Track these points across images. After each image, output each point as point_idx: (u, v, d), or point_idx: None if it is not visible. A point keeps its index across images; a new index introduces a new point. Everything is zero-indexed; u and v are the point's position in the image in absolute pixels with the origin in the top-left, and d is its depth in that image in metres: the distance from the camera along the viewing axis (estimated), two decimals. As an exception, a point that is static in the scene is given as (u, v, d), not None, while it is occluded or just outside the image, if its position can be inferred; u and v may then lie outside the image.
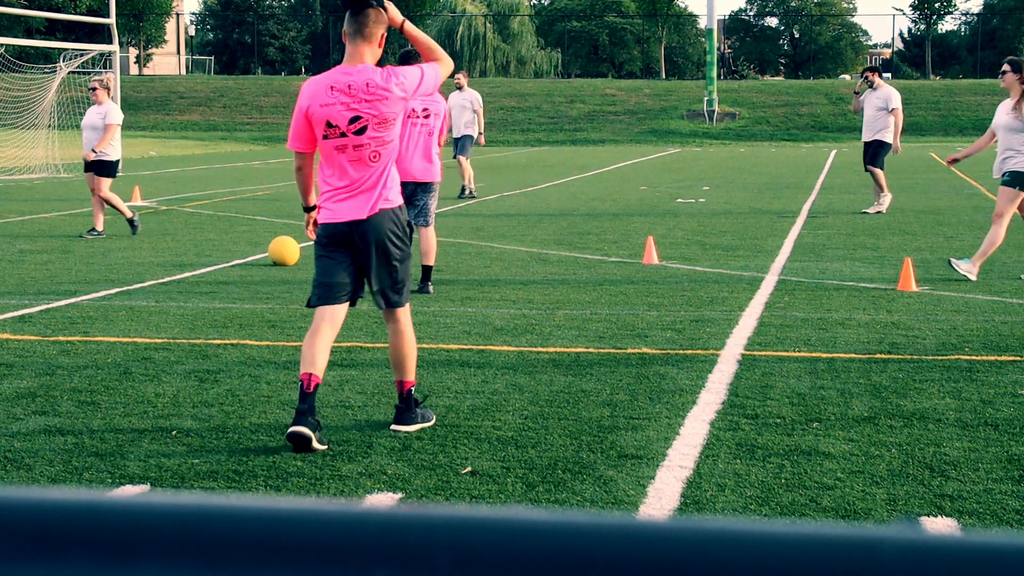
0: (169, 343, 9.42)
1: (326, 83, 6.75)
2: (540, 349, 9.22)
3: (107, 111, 17.90)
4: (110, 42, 35.40)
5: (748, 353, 9.06)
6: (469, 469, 6.17)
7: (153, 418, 7.16)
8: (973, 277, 12.56)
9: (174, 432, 6.85)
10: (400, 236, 6.85)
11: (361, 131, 6.70)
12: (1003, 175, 12.57)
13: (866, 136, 21.17)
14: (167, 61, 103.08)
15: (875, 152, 21.02)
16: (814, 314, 10.73)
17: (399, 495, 5.81)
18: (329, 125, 6.70)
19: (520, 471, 6.14)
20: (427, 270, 11.92)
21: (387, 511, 0.83)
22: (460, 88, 24.31)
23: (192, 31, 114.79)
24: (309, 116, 6.74)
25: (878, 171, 21.00)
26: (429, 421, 7.00)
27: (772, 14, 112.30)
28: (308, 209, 7.01)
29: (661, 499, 5.73)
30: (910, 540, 0.83)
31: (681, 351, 9.13)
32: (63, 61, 35.01)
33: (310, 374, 6.63)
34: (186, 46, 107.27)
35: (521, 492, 5.83)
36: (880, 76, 21.19)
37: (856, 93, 21.48)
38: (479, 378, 8.23)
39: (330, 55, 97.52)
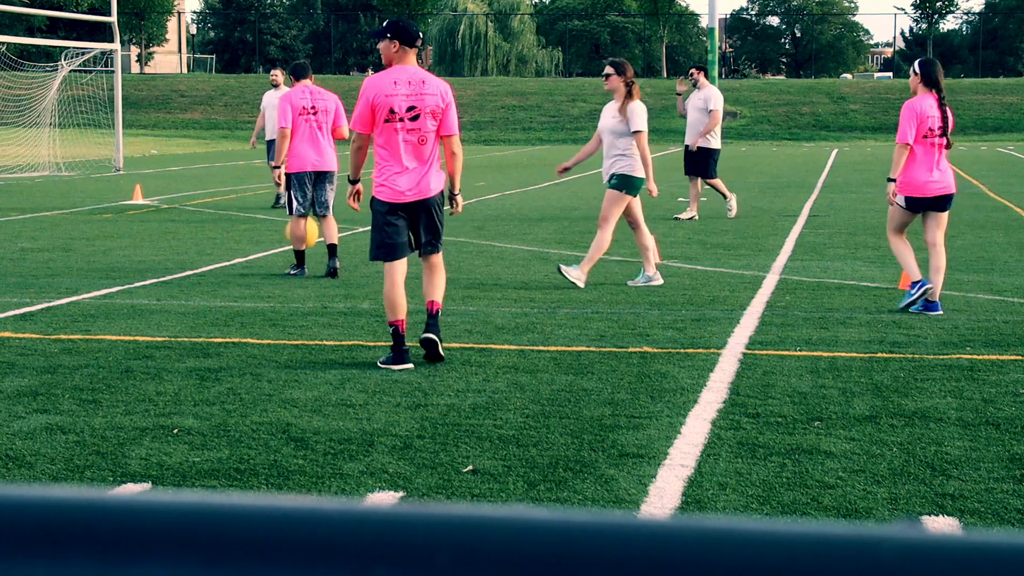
0: (170, 341, 9.42)
1: (390, 79, 8.49)
2: (541, 348, 9.22)
3: None
4: (111, 40, 35.39)
5: (749, 352, 9.06)
6: (470, 468, 6.17)
7: (154, 416, 7.16)
8: (581, 284, 12.11)
9: (175, 430, 6.85)
10: (441, 202, 8.78)
11: (415, 118, 8.51)
12: (609, 179, 12.33)
13: (688, 139, 19.96)
14: (168, 59, 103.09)
15: (704, 163, 19.76)
16: (815, 313, 10.72)
17: (400, 494, 5.81)
18: (391, 111, 8.47)
19: (521, 470, 6.14)
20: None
21: (388, 510, 0.83)
22: (276, 86, 21.48)
23: (193, 29, 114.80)
24: (374, 104, 8.45)
25: (715, 182, 19.85)
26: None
27: (773, 13, 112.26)
28: (354, 182, 9.03)
29: (662, 498, 5.73)
30: (911, 539, 0.83)
31: (682, 350, 9.13)
32: (65, 59, 35.00)
33: (401, 321, 8.54)
34: (187, 44, 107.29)
35: (522, 491, 5.83)
36: (704, 74, 19.79)
37: (678, 95, 20.52)
38: (480, 377, 8.23)
39: (331, 53, 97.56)
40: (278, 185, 13.83)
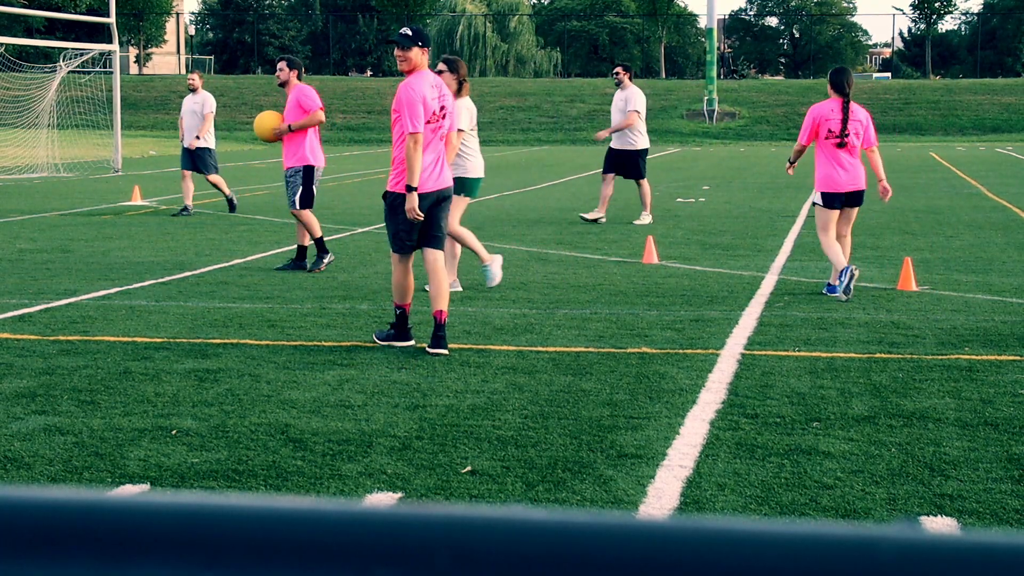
0: (169, 342, 9.42)
1: (429, 81, 9.26)
2: (540, 349, 9.22)
3: None
4: (110, 41, 35.38)
5: (748, 352, 9.06)
6: (469, 469, 6.17)
7: (153, 417, 7.16)
8: (457, 287, 11.93)
9: (174, 431, 6.85)
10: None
11: (444, 117, 9.36)
12: None
13: (614, 142, 19.31)
14: (167, 60, 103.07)
15: (632, 164, 19.15)
16: (814, 314, 10.73)
17: (399, 495, 5.81)
18: (434, 113, 9.23)
19: (520, 471, 6.14)
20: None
21: (387, 510, 0.83)
22: (193, 91, 20.72)
23: (192, 30, 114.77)
24: (426, 106, 9.15)
25: (644, 186, 19.30)
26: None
27: (772, 14, 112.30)
28: (415, 189, 9.18)
29: (661, 499, 5.73)
30: (910, 540, 0.83)
31: (681, 351, 9.13)
32: (63, 60, 34.99)
33: (409, 304, 9.36)
34: (186, 45, 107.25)
35: (521, 492, 5.83)
36: (630, 75, 18.93)
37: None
38: (479, 377, 8.23)
39: (329, 54, 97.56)
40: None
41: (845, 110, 11.68)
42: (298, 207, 13.64)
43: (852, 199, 11.90)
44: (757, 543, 0.85)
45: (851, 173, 11.80)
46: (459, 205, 12.09)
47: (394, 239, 9.34)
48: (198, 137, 20.47)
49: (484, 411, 7.31)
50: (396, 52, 9.38)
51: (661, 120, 70.65)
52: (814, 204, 12.12)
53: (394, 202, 9.27)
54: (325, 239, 14.20)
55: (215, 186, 20.98)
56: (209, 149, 20.72)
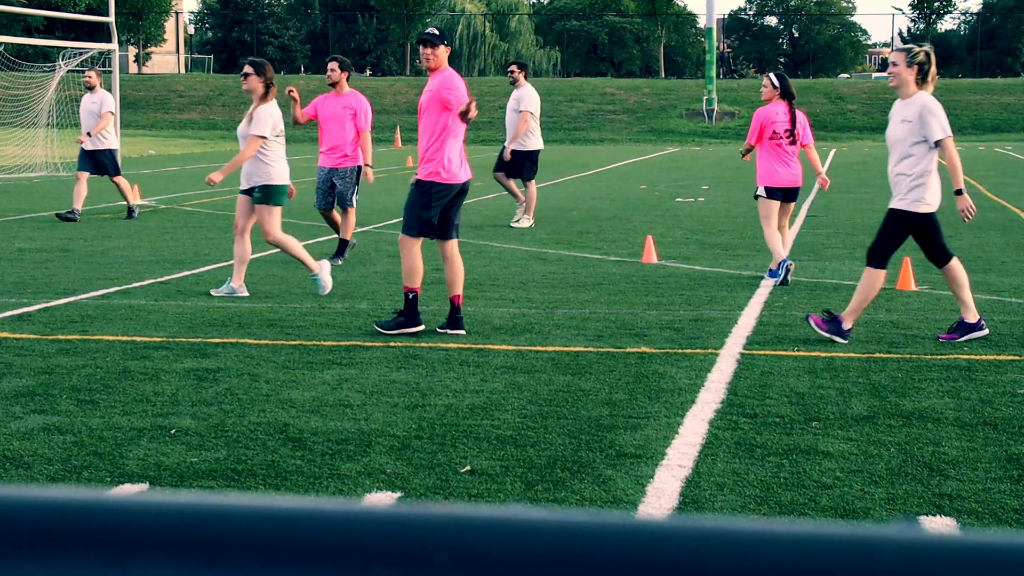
0: (168, 342, 9.42)
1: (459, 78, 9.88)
2: (539, 348, 9.22)
3: None
4: (109, 40, 35.36)
5: (747, 352, 9.06)
6: (468, 468, 6.17)
7: (152, 417, 7.16)
8: (241, 292, 11.71)
9: (173, 431, 6.85)
10: None
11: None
12: (252, 191, 11.83)
13: (508, 141, 18.41)
14: (166, 60, 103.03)
15: (520, 165, 18.45)
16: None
17: (398, 494, 5.80)
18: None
19: (519, 470, 6.14)
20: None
21: (386, 510, 0.83)
22: (91, 89, 20.30)
23: (191, 30, 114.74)
24: (460, 101, 9.67)
25: (530, 186, 18.69)
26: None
27: (771, 13, 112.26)
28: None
29: (660, 498, 5.73)
30: (909, 539, 0.83)
31: (680, 350, 9.13)
32: (62, 60, 34.97)
33: (419, 287, 9.80)
34: (185, 45, 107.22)
35: (520, 491, 5.83)
36: (525, 74, 18.07)
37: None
38: (478, 377, 8.23)
39: (329, 54, 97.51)
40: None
41: (792, 113, 12.80)
42: (354, 205, 14.47)
43: (790, 194, 12.95)
44: (757, 543, 0.85)
45: (792, 170, 12.90)
46: (273, 214, 11.71)
47: (418, 224, 9.73)
48: (89, 135, 19.80)
49: (483, 411, 7.31)
50: (425, 51, 9.87)
51: (660, 120, 70.64)
52: (757, 197, 12.87)
53: (425, 189, 9.70)
54: (327, 239, 14.25)
55: (119, 188, 20.31)
56: (111, 150, 20.07)
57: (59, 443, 6.61)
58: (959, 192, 9.52)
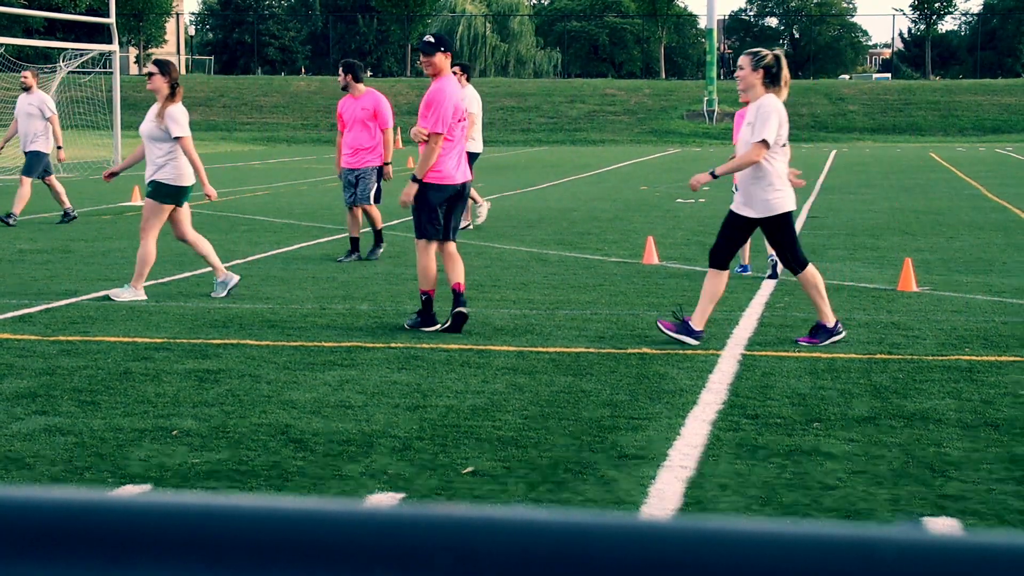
0: (169, 343, 9.42)
1: (455, 85, 10.15)
2: (540, 349, 9.22)
3: None
4: (110, 42, 35.39)
5: (749, 353, 9.06)
6: (470, 469, 6.17)
7: (153, 418, 7.15)
8: (142, 297, 11.53)
9: (175, 432, 6.85)
10: None
11: (464, 117, 10.25)
12: (148, 186, 11.64)
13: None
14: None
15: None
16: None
17: (401, 495, 5.80)
18: (460, 112, 10.05)
19: (521, 471, 6.13)
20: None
21: (388, 511, 0.82)
22: (27, 89, 19.52)
23: (192, 31, 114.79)
24: (456, 108, 10.02)
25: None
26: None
27: (772, 14, 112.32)
28: (419, 180, 10.01)
29: (663, 499, 5.73)
30: (913, 540, 0.83)
31: (681, 351, 9.13)
32: (63, 61, 34.98)
33: (433, 289, 10.10)
34: (186, 46, 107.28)
35: (522, 492, 5.83)
36: (468, 76, 17.76)
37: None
38: (479, 378, 8.23)
39: (329, 55, 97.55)
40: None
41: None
42: (372, 202, 14.84)
43: None
44: (761, 543, 0.84)
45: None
46: (160, 212, 11.54)
47: (419, 226, 10.07)
48: (60, 148, 19.40)
49: (485, 412, 7.31)
50: (421, 59, 10.18)
51: (661, 121, 70.64)
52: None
53: (422, 191, 9.97)
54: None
55: (19, 187, 19.49)
56: (39, 152, 19.28)
57: (61, 444, 6.61)
58: (714, 175, 9.69)
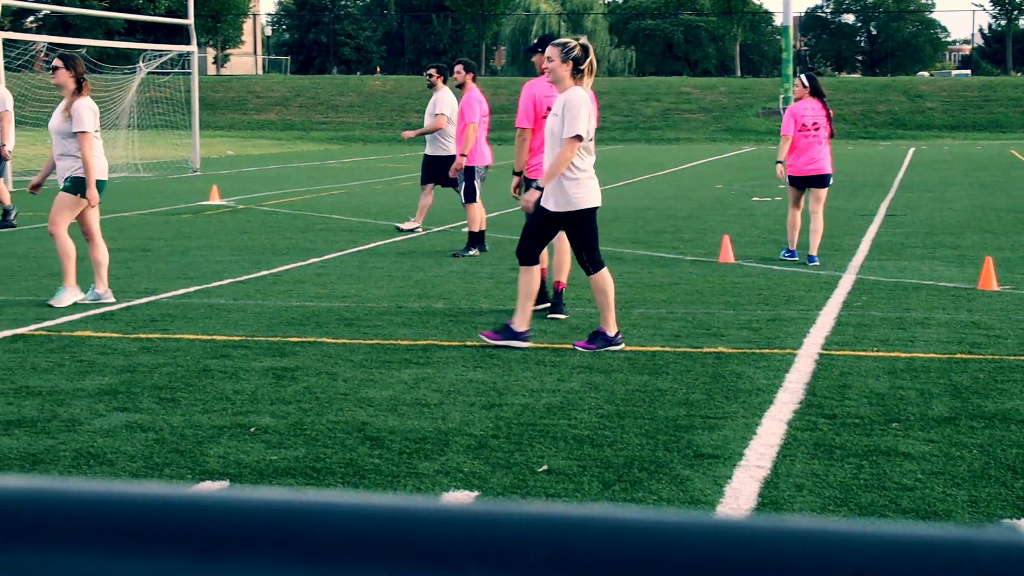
0: (247, 340, 9.50)
1: (546, 83, 10.26)
2: (616, 348, 9.19)
3: None
4: (188, 43, 35.78)
5: (826, 352, 8.98)
6: (545, 468, 6.17)
7: (232, 415, 7.22)
8: (78, 296, 11.25)
9: (252, 429, 6.91)
10: None
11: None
12: (64, 181, 11.36)
13: (428, 148, 17.06)
14: (244, 61, 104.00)
15: (444, 172, 16.43)
16: (892, 313, 10.61)
17: (475, 493, 5.81)
18: (549, 109, 10.12)
19: (596, 470, 6.12)
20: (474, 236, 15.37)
21: (482, 508, 0.83)
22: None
23: (268, 31, 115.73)
24: (536, 103, 10.58)
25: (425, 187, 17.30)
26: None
27: (849, 11, 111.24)
28: (519, 173, 10.66)
29: (738, 499, 5.70)
30: (1012, 542, 0.82)
31: (758, 350, 9.07)
32: (142, 62, 35.43)
33: (557, 281, 10.65)
34: (263, 46, 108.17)
35: (597, 491, 5.82)
36: (444, 79, 17.00)
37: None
38: (555, 376, 8.23)
39: (404, 54, 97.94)
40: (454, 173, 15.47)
41: (826, 108, 14.76)
42: (463, 201, 15.33)
43: (814, 181, 14.51)
44: (838, 544, 0.84)
45: (818, 159, 14.48)
46: (75, 206, 11.34)
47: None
48: (3, 144, 18.75)
49: (560, 410, 7.31)
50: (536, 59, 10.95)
51: (737, 119, 70.22)
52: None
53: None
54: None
55: None
56: None
57: (141, 440, 6.69)
58: (540, 188, 9.17)
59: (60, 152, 11.36)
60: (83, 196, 11.30)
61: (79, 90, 11.28)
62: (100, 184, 11.41)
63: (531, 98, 10.65)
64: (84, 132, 11.17)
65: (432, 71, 17.29)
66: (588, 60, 9.16)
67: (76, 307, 11.03)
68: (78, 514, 0.90)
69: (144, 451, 6.49)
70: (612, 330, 9.19)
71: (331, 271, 13.59)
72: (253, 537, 0.86)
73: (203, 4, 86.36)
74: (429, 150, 17.05)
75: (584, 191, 9.17)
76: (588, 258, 9.27)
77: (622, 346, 9.16)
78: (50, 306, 11.08)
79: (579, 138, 9.02)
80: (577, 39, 9.31)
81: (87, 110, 11.22)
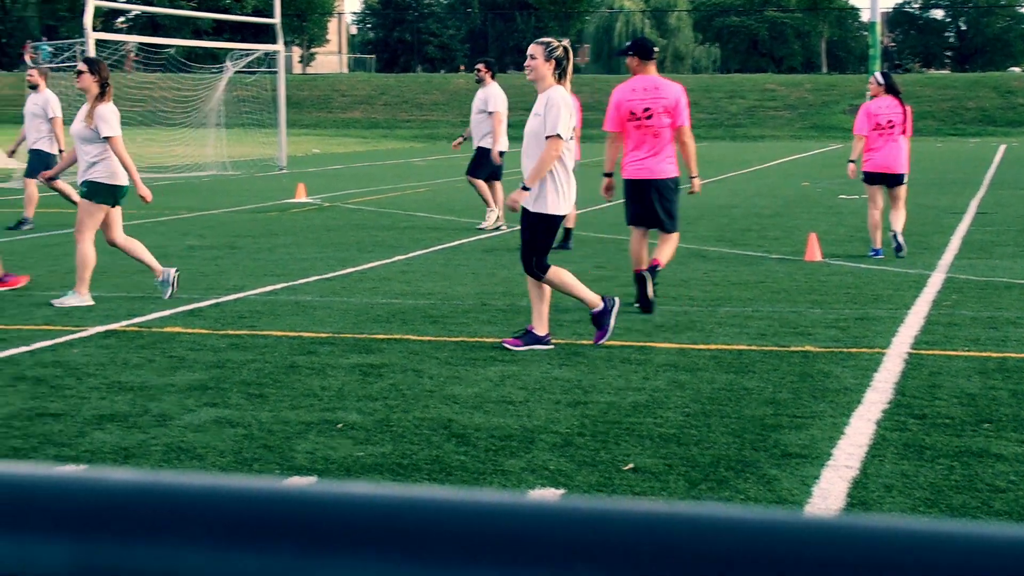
0: (334, 337, 9.57)
1: (629, 87, 10.88)
2: (701, 346, 9.16)
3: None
4: (275, 42, 36.11)
5: (915, 352, 8.88)
6: (631, 466, 6.16)
7: (319, 411, 7.28)
8: (87, 302, 11.12)
9: (339, 425, 6.96)
10: (671, 186, 10.97)
11: (649, 117, 10.80)
12: (81, 186, 11.26)
13: (478, 141, 17.78)
14: (329, 60, 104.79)
15: (476, 163, 17.75)
16: (984, 312, 10.46)
17: (561, 491, 5.82)
18: (631, 113, 10.81)
19: (682, 469, 6.10)
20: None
21: (589, 506, 0.83)
22: (34, 88, 18.51)
23: (354, 30, 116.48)
24: (618, 107, 10.84)
25: (477, 183, 17.79)
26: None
27: (937, 6, 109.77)
28: (608, 175, 11.11)
29: (827, 499, 5.65)
30: None
31: (845, 349, 8.99)
32: (230, 61, 35.80)
33: (638, 269, 10.91)
34: (348, 45, 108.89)
35: (684, 490, 5.80)
36: (492, 73, 17.65)
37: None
38: (640, 375, 8.21)
39: (488, 52, 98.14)
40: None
41: (903, 105, 14.64)
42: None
43: (888, 179, 14.67)
44: (930, 544, 0.83)
45: (889, 157, 14.52)
46: (96, 212, 11.26)
47: (626, 214, 11.17)
48: (61, 151, 17.90)
49: (646, 408, 7.29)
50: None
51: (823, 116, 69.58)
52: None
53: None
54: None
55: (24, 189, 18.79)
56: (40, 152, 18.20)
57: (230, 436, 6.76)
58: (526, 187, 9.11)
59: (82, 157, 11.29)
60: (99, 202, 11.22)
61: (102, 95, 11.20)
62: (122, 189, 11.32)
63: (614, 103, 10.95)
64: (114, 136, 11.10)
65: (480, 66, 18.00)
66: (570, 62, 9.21)
67: (165, 303, 11.18)
68: (184, 507, 0.91)
69: (233, 446, 6.56)
70: (542, 331, 9.14)
71: (416, 268, 13.65)
72: (355, 532, 0.87)
73: (289, 3, 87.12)
74: (484, 143, 17.63)
75: (555, 197, 9.15)
76: (537, 262, 9.17)
77: (551, 347, 9.08)
78: (51, 305, 11.13)
79: (560, 138, 9.02)
80: (560, 41, 9.33)
81: (112, 115, 11.15)
